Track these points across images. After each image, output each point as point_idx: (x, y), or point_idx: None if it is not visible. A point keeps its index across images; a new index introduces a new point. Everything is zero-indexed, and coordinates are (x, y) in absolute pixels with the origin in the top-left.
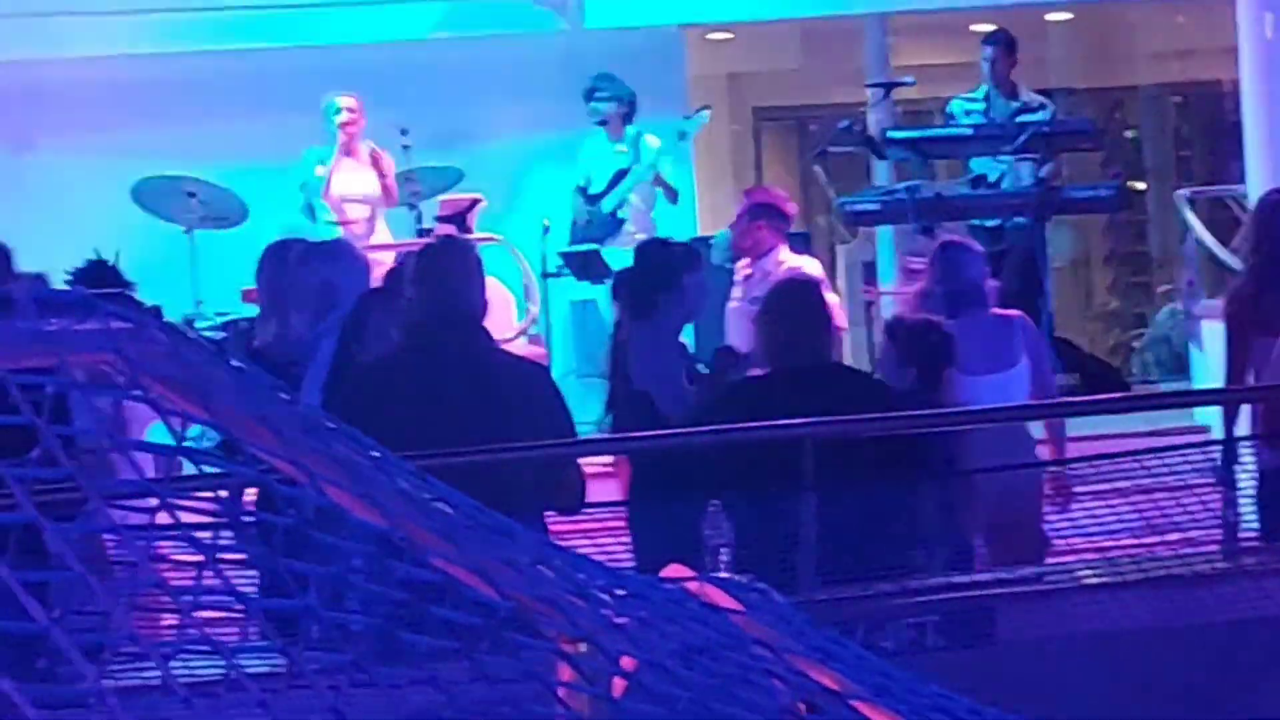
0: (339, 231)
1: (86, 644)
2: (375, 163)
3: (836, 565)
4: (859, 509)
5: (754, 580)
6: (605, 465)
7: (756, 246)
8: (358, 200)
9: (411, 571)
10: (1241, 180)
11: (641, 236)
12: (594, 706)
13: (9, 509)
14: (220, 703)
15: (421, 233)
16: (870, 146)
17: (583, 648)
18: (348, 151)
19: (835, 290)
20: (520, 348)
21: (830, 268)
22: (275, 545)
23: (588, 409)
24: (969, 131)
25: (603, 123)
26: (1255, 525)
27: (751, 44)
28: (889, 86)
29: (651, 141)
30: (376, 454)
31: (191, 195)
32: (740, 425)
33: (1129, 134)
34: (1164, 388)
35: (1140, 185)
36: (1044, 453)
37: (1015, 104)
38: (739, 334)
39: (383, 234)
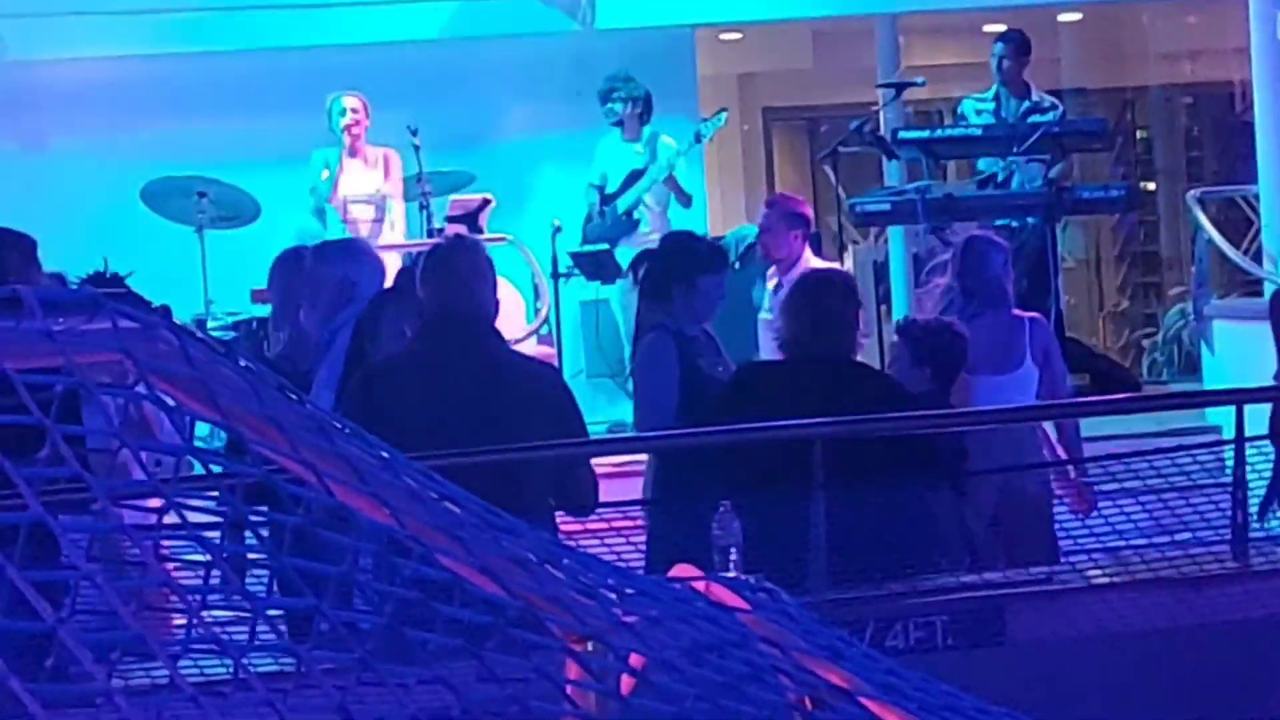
0: (349, 233)
1: (95, 643)
2: (383, 164)
3: (846, 566)
4: (869, 509)
5: (762, 580)
6: (615, 465)
7: (790, 255)
8: (364, 201)
9: (419, 570)
10: (1253, 180)
11: (656, 238)
12: (602, 704)
13: (17, 509)
14: (228, 702)
15: (432, 233)
16: (881, 147)
17: (591, 646)
18: (353, 152)
19: None
20: (529, 348)
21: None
22: (283, 545)
23: (598, 409)
24: (980, 132)
25: (618, 123)
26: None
27: (762, 44)
28: (900, 87)
29: (668, 143)
30: (384, 454)
31: (202, 195)
32: (749, 426)
33: (1140, 134)
34: (1174, 388)
35: (1151, 185)
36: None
37: (1026, 104)
38: (772, 348)
39: (395, 233)
